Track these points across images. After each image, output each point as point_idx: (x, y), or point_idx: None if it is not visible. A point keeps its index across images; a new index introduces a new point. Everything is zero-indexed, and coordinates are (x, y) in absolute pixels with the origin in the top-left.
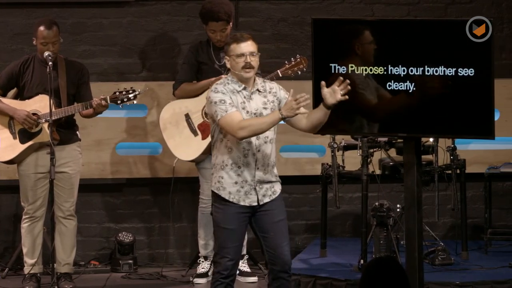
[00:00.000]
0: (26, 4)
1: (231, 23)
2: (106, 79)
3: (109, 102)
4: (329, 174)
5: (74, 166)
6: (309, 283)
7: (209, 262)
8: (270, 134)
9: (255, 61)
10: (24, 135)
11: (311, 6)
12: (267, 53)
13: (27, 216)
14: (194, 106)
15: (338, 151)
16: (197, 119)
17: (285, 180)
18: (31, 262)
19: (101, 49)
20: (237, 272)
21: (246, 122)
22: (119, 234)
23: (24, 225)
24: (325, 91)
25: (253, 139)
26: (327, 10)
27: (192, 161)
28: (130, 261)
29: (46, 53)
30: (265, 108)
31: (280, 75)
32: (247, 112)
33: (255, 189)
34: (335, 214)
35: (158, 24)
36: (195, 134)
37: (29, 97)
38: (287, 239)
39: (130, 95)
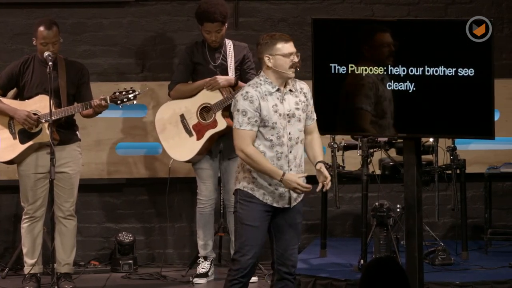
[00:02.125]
0: (26, 4)
1: (226, 24)
2: (106, 79)
3: (109, 102)
4: (329, 174)
5: (74, 166)
6: (309, 283)
7: (209, 262)
8: (300, 134)
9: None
10: (24, 135)
11: (311, 6)
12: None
13: (27, 216)
14: (190, 107)
15: (338, 151)
16: (192, 120)
17: None
18: (31, 262)
19: (101, 49)
20: None
21: (251, 153)
22: (119, 234)
23: (24, 225)
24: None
25: (286, 140)
26: (327, 10)
27: (187, 161)
28: (130, 261)
29: (46, 53)
30: (297, 109)
31: None
32: (280, 114)
33: (289, 191)
34: (335, 214)
35: (158, 24)
36: (190, 134)
37: (29, 97)
38: (299, 242)
39: (130, 95)
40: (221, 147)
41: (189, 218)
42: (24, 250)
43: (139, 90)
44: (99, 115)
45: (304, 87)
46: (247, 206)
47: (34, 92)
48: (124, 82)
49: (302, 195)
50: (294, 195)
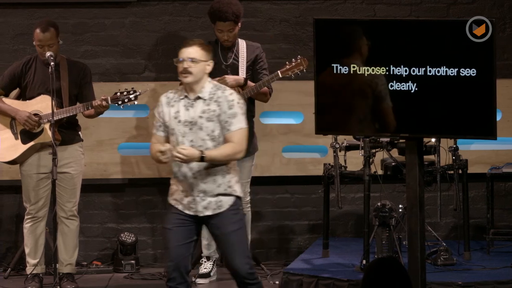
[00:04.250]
0: (28, 5)
1: (239, 24)
2: (108, 79)
3: (110, 102)
4: (331, 174)
5: (76, 167)
6: (312, 284)
7: (212, 262)
8: (205, 143)
9: (195, 67)
10: (26, 135)
11: (313, 6)
12: (269, 53)
13: (29, 216)
14: None
15: (340, 151)
16: None
17: (287, 180)
18: (33, 262)
19: (103, 49)
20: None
21: (152, 148)
22: (121, 235)
23: (27, 225)
24: None
25: None
26: (329, 11)
27: None
28: (133, 261)
29: (48, 53)
30: (200, 117)
31: (280, 76)
32: (179, 121)
33: (195, 199)
34: (338, 214)
35: (160, 24)
36: None
37: (31, 98)
38: (240, 250)
39: (131, 96)
40: None
41: None
42: (27, 250)
43: (140, 91)
44: (101, 116)
45: (222, 97)
46: (167, 210)
47: (36, 92)
48: (126, 82)
49: (220, 209)
50: (200, 206)
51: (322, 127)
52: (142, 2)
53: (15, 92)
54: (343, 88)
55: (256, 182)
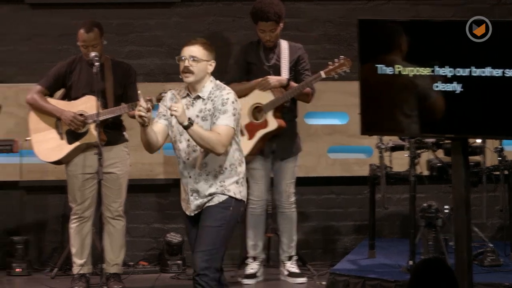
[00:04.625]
0: (72, 5)
1: (281, 24)
2: (153, 79)
3: (155, 103)
4: (377, 175)
5: (121, 167)
6: (358, 284)
7: (258, 263)
8: None
9: (196, 66)
10: (71, 135)
11: (356, 6)
12: (313, 54)
13: (75, 217)
14: (242, 107)
15: (385, 152)
16: (244, 120)
17: (332, 181)
18: (80, 262)
19: (148, 49)
20: (286, 273)
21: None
22: (168, 235)
23: (73, 225)
24: None
25: (183, 146)
26: (373, 11)
27: None
28: (179, 262)
29: (92, 54)
30: (197, 116)
31: (324, 76)
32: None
33: (189, 199)
34: (383, 215)
35: (204, 24)
36: (242, 134)
37: (76, 98)
38: (205, 246)
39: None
40: (274, 147)
41: None
42: (73, 251)
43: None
44: None
45: (218, 96)
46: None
47: (81, 93)
48: (171, 82)
49: (202, 205)
50: (192, 205)
51: (367, 128)
52: (186, 3)
53: (59, 92)
54: (388, 88)
55: (302, 182)
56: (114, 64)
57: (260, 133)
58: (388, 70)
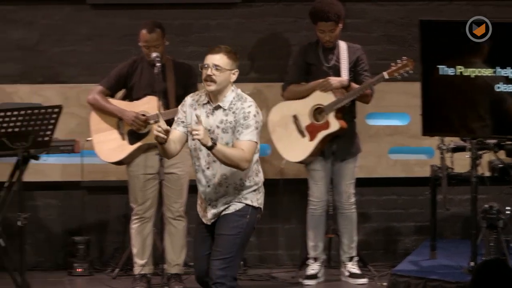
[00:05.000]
0: (134, 5)
1: (340, 24)
2: None
3: None
4: (438, 176)
5: (183, 167)
6: (419, 285)
7: (319, 264)
8: None
9: (219, 76)
10: (133, 136)
11: (417, 7)
12: (374, 54)
13: (136, 217)
14: (302, 108)
15: (447, 153)
16: (305, 121)
17: (393, 182)
18: (141, 262)
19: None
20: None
21: None
22: None
23: (134, 226)
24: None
25: (203, 155)
26: (434, 12)
27: (300, 162)
28: (240, 262)
29: (154, 55)
30: (217, 127)
31: (387, 77)
32: None
33: (207, 208)
34: (445, 216)
35: (265, 25)
36: (303, 135)
37: (137, 99)
38: (222, 254)
39: None
40: (334, 148)
41: (299, 220)
42: (134, 251)
43: (247, 92)
44: None
45: (240, 108)
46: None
47: (142, 94)
48: None
49: (219, 214)
50: (209, 214)
51: (429, 129)
52: (247, 3)
53: (120, 93)
54: (449, 89)
55: (362, 183)
56: (176, 64)
57: (322, 134)
58: (450, 71)
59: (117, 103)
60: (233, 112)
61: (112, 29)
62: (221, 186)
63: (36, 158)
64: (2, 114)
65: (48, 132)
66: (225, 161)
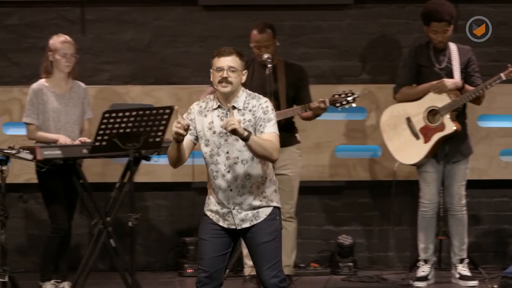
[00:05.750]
0: (245, 7)
1: (452, 25)
2: (325, 81)
3: (328, 104)
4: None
5: (293, 169)
6: None
7: (429, 266)
8: (241, 154)
9: (234, 77)
10: None
11: None
12: (486, 56)
13: None
14: (415, 110)
15: None
16: (419, 123)
17: (505, 184)
18: (251, 263)
19: (320, 51)
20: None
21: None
22: (339, 237)
23: None
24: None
25: (222, 159)
26: None
27: (413, 164)
28: (350, 264)
29: (265, 56)
30: None
31: (504, 78)
32: (214, 132)
33: (231, 212)
34: None
35: (377, 27)
36: (417, 137)
37: None
38: (268, 262)
39: (349, 98)
40: (446, 150)
41: (409, 221)
42: (244, 252)
43: (358, 93)
44: (318, 118)
45: (257, 105)
46: (202, 220)
47: None
48: (343, 84)
49: (257, 220)
50: (237, 219)
51: None
52: (358, 5)
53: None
54: None
55: (473, 185)
56: (287, 65)
57: (436, 136)
58: None
59: None
60: (250, 110)
61: (224, 30)
62: (244, 187)
63: (148, 159)
64: (114, 115)
65: (160, 133)
66: (260, 151)
